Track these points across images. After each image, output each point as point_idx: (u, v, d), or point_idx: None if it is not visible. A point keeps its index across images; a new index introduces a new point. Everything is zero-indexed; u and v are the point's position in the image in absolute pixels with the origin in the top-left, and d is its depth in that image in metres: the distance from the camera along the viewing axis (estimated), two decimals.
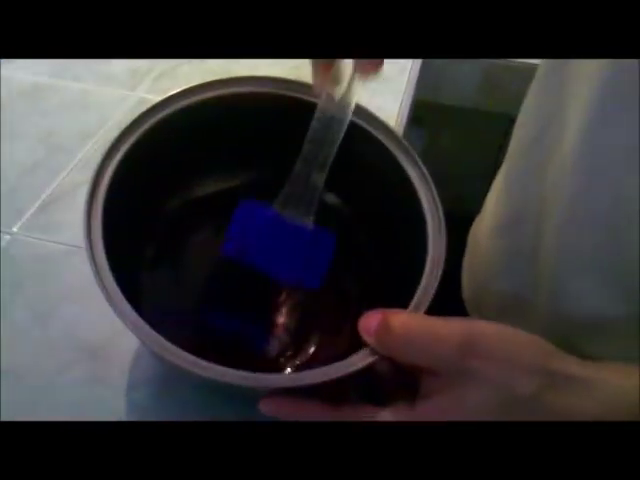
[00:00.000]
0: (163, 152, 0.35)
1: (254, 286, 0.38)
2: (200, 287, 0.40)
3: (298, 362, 0.38)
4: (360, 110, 0.35)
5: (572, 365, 0.28)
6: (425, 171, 0.34)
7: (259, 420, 0.28)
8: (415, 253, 0.32)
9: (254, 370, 0.27)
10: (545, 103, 0.38)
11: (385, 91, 0.58)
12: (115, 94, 0.59)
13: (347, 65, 0.32)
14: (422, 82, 0.67)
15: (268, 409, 0.29)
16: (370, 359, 0.28)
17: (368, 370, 0.28)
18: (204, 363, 0.27)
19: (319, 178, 0.34)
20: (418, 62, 0.66)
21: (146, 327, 0.27)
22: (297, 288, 0.37)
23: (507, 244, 0.44)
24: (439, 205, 0.33)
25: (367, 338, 0.28)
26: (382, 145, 0.35)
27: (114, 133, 0.33)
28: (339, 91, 0.32)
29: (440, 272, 0.31)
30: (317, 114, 0.33)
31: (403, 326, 0.28)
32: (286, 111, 0.36)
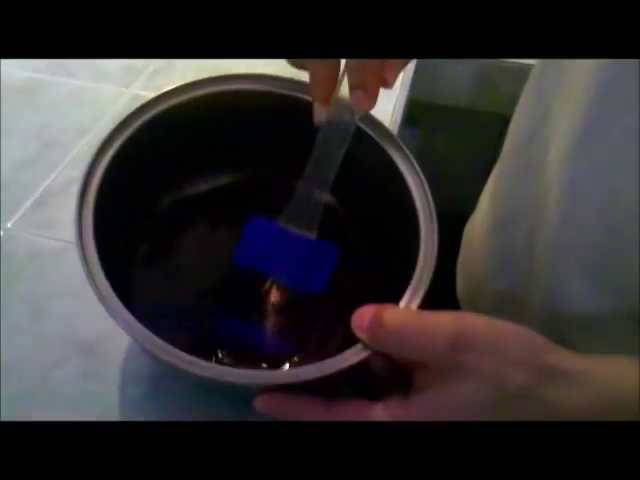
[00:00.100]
0: (155, 149, 0.35)
1: (252, 286, 0.38)
2: (195, 286, 0.40)
3: (294, 360, 0.38)
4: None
5: (564, 358, 0.28)
6: (416, 165, 0.34)
7: (253, 419, 0.28)
8: (408, 250, 0.32)
9: (249, 368, 0.27)
10: (540, 102, 0.39)
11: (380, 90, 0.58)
12: (110, 90, 0.59)
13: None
14: (416, 82, 0.67)
15: (263, 406, 0.29)
16: (363, 354, 0.28)
17: (362, 366, 0.28)
18: (200, 362, 0.27)
19: (321, 196, 0.35)
20: (412, 62, 0.66)
21: (137, 325, 0.27)
22: (300, 293, 0.37)
23: (502, 244, 0.44)
24: (430, 198, 0.33)
25: (360, 334, 0.28)
26: (373, 140, 0.35)
27: (108, 129, 0.33)
28: (339, 109, 0.33)
29: (432, 267, 0.31)
30: (319, 135, 0.33)
31: (395, 321, 0.28)
32: (281, 109, 0.36)
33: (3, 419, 0.35)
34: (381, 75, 0.31)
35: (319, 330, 0.39)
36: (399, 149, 0.35)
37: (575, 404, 0.27)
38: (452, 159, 0.96)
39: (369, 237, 0.40)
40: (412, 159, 0.34)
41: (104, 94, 0.58)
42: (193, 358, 0.27)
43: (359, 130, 0.35)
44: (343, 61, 0.32)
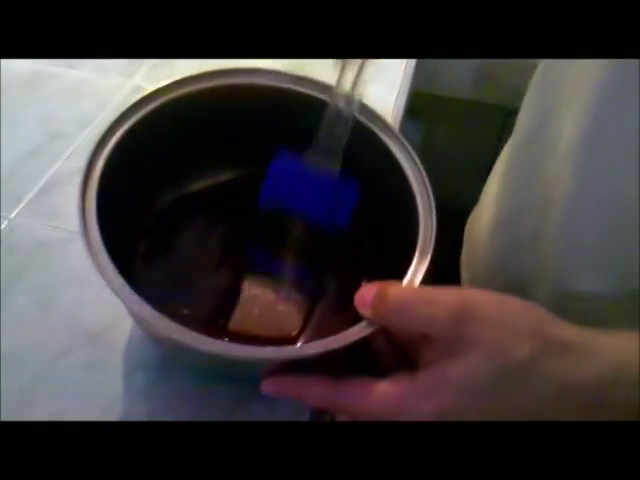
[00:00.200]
0: (155, 142, 0.35)
1: (279, 224, 0.39)
2: (195, 283, 0.40)
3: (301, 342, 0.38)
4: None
5: (569, 331, 0.28)
6: (417, 159, 0.34)
7: (256, 410, 0.28)
8: (408, 244, 0.33)
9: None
10: (545, 99, 0.39)
11: (381, 81, 0.59)
12: (112, 82, 0.59)
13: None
14: (419, 73, 0.67)
15: (271, 389, 0.29)
16: (368, 330, 0.28)
17: (366, 342, 0.29)
18: (208, 339, 0.27)
19: (344, 132, 0.35)
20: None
21: (146, 306, 0.28)
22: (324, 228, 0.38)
23: (507, 239, 0.44)
24: (430, 192, 0.33)
25: (364, 310, 0.29)
26: (373, 134, 0.35)
27: (110, 121, 0.33)
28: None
29: (432, 249, 0.31)
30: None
31: (398, 296, 0.28)
32: (282, 105, 0.36)
33: (11, 408, 0.35)
34: None
35: (320, 321, 0.40)
36: (399, 143, 0.35)
37: (579, 377, 0.27)
38: (454, 152, 0.96)
39: (369, 230, 0.40)
40: (412, 153, 0.35)
41: (106, 85, 0.58)
42: (202, 336, 0.27)
43: (359, 124, 0.35)
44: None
